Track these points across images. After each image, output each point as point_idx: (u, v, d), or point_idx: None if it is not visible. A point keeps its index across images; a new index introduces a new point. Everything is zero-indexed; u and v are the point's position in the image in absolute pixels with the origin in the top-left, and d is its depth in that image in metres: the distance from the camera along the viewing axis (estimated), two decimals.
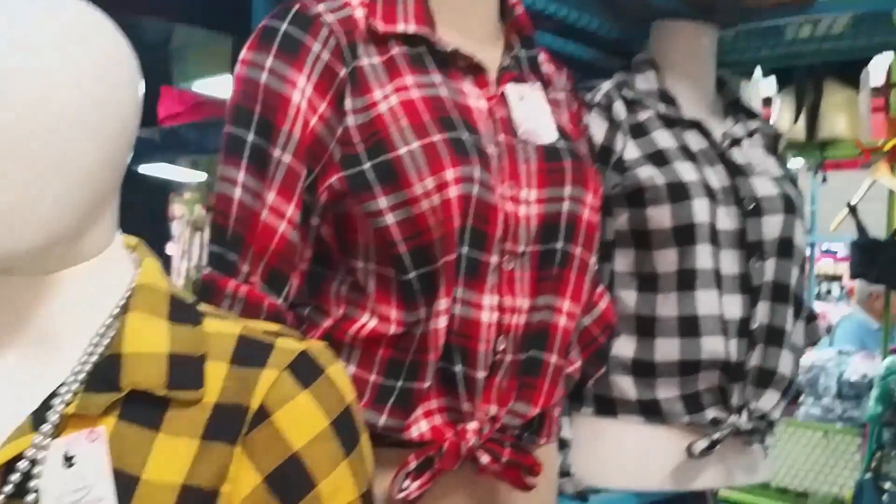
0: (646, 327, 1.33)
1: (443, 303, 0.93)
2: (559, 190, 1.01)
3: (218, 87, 2.84)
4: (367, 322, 0.96)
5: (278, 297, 0.94)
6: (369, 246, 0.96)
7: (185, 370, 0.68)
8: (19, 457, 0.64)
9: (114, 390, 0.66)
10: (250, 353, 0.70)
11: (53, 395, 0.67)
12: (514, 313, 0.98)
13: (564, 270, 1.02)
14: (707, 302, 1.30)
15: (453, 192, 0.92)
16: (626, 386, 1.35)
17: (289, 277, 0.95)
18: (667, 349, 1.32)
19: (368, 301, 0.97)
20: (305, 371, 0.70)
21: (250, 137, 0.94)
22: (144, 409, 0.67)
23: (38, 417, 0.65)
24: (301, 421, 0.68)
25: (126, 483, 0.64)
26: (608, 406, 1.37)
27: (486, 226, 0.95)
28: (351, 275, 0.98)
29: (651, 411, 1.35)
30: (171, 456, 0.66)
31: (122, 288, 0.72)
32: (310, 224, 0.96)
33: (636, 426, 1.36)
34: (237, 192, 0.93)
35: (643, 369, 1.34)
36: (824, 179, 3.35)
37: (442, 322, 0.93)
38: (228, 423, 0.67)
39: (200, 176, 3.20)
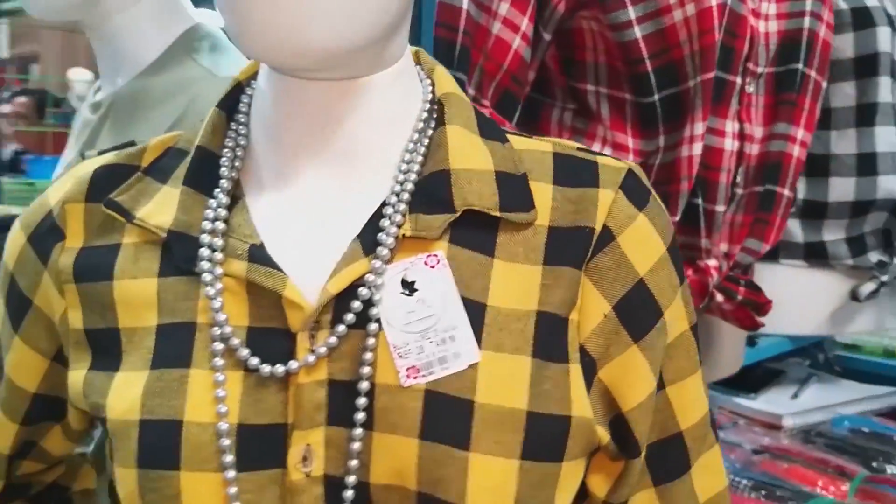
0: (818, 166, 1.25)
1: (699, 127, 0.84)
2: (800, 3, 0.91)
3: None
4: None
5: (509, 122, 0.85)
6: (600, 66, 0.86)
7: (513, 190, 0.60)
8: (357, 283, 0.56)
9: (447, 210, 0.58)
10: (574, 172, 0.62)
11: (378, 215, 0.58)
12: (751, 142, 0.90)
13: (800, 96, 0.93)
14: (886, 138, 1.22)
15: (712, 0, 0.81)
16: (793, 228, 1.28)
17: (519, 102, 0.85)
18: (842, 189, 1.24)
19: (599, 129, 0.88)
20: (637, 191, 0.62)
21: None
22: (475, 233, 0.58)
23: (368, 240, 0.57)
24: (643, 245, 0.61)
25: (473, 310, 0.57)
26: (770, 250, 1.30)
27: (735, 41, 0.85)
28: (576, 101, 0.89)
29: (815, 254, 1.29)
30: (514, 283, 0.58)
31: (418, 98, 0.63)
32: (540, 41, 0.86)
33: (799, 270, 1.30)
34: (464, 1, 0.83)
35: (813, 211, 1.26)
36: None
37: (697, 149, 0.84)
38: (571, 247, 0.59)
39: None
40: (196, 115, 0.90)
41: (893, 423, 1.43)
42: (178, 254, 0.60)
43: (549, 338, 0.58)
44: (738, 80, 0.87)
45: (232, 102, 0.65)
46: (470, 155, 0.60)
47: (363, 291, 0.56)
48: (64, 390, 0.65)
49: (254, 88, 0.64)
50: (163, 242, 0.60)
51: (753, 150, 0.91)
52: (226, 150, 0.63)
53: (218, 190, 0.61)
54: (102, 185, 0.64)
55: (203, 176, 0.62)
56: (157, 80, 0.96)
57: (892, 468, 1.26)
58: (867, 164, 1.23)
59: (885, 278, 1.27)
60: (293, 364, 0.56)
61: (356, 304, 0.56)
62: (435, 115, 0.62)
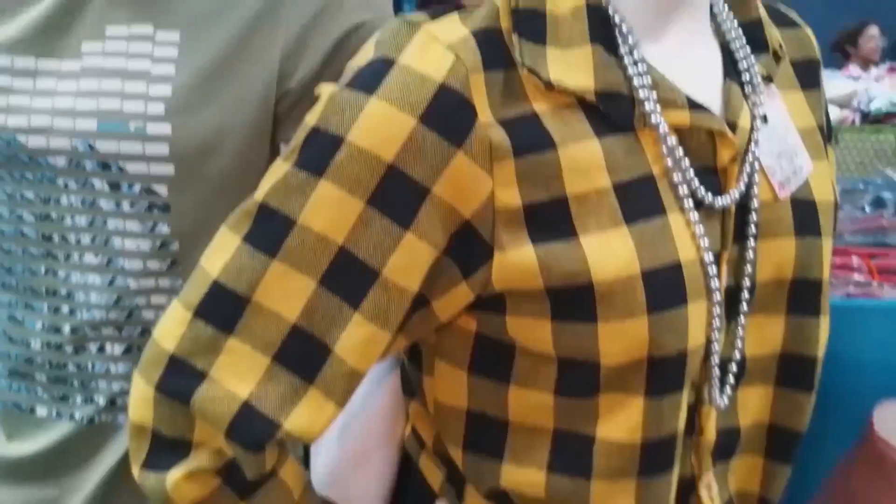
0: None
1: None
2: None
3: None
4: None
5: None
6: None
7: (773, 33, 0.72)
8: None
9: (765, 52, 0.70)
10: (778, 15, 0.76)
11: (728, 58, 0.69)
12: None
13: None
14: None
15: None
16: None
17: None
18: None
19: None
20: None
21: None
22: None
23: (735, 80, 0.68)
24: None
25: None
26: None
27: None
28: None
29: None
30: (794, 105, 0.72)
31: None
32: None
33: None
34: None
35: None
36: None
37: None
38: (810, 75, 0.75)
39: None
40: None
41: None
42: (614, 113, 0.62)
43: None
44: None
45: None
46: (758, 5, 0.72)
47: (757, 124, 0.66)
48: (432, 287, 0.63)
49: None
50: (582, 104, 0.62)
51: None
52: (609, 4, 0.64)
53: (626, 47, 0.63)
54: (489, 52, 0.62)
55: (604, 32, 0.63)
56: None
57: None
58: None
59: None
60: (735, 193, 0.64)
61: (755, 135, 0.66)
62: None
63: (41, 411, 0.89)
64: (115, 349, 0.86)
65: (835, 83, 4.11)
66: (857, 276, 1.26)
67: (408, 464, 0.78)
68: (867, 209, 1.52)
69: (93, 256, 0.85)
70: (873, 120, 3.99)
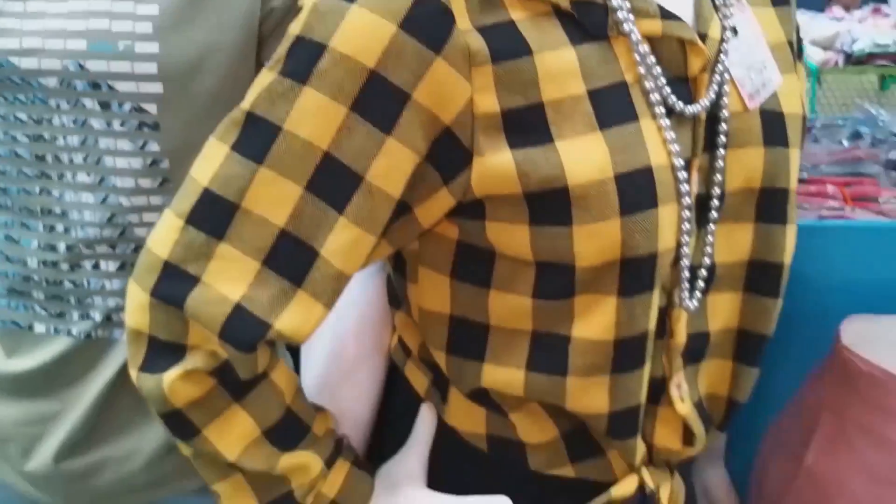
0: None
1: None
2: None
3: None
4: None
5: None
6: None
7: None
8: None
9: None
10: None
11: None
12: None
13: None
14: None
15: None
16: None
17: None
18: None
19: None
20: None
21: None
22: None
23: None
24: None
25: None
26: None
27: None
28: None
29: None
30: (765, 21, 0.75)
31: None
32: None
33: None
34: None
35: None
36: None
37: None
38: None
39: None
40: None
41: None
42: (588, 21, 0.64)
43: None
44: None
45: None
46: None
47: (727, 35, 0.68)
48: (413, 193, 0.65)
49: None
50: (558, 13, 0.64)
51: None
52: None
53: None
54: None
55: None
56: None
57: None
58: None
59: None
60: (705, 101, 0.67)
61: (725, 46, 0.68)
62: None
63: (39, 328, 0.92)
64: (110, 266, 0.89)
65: (818, 24, 4.12)
66: (831, 203, 1.30)
67: (394, 374, 0.82)
68: (845, 143, 1.55)
69: (85, 175, 0.87)
70: (856, 61, 4.01)
